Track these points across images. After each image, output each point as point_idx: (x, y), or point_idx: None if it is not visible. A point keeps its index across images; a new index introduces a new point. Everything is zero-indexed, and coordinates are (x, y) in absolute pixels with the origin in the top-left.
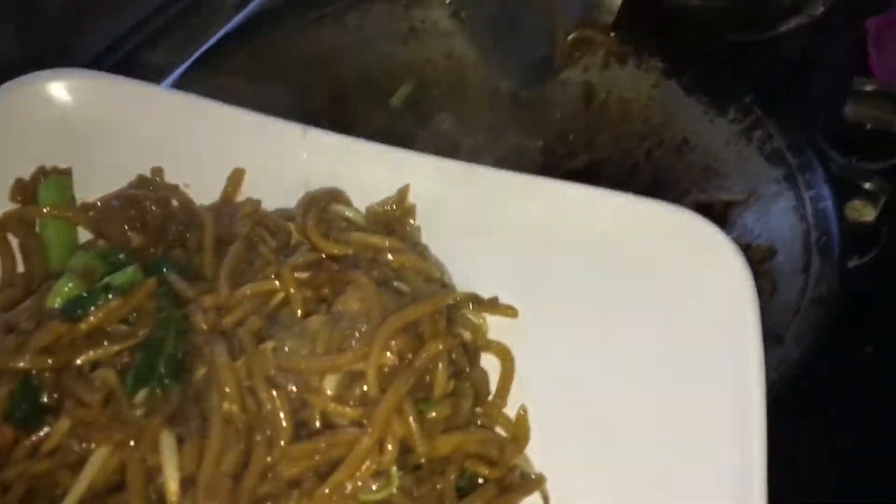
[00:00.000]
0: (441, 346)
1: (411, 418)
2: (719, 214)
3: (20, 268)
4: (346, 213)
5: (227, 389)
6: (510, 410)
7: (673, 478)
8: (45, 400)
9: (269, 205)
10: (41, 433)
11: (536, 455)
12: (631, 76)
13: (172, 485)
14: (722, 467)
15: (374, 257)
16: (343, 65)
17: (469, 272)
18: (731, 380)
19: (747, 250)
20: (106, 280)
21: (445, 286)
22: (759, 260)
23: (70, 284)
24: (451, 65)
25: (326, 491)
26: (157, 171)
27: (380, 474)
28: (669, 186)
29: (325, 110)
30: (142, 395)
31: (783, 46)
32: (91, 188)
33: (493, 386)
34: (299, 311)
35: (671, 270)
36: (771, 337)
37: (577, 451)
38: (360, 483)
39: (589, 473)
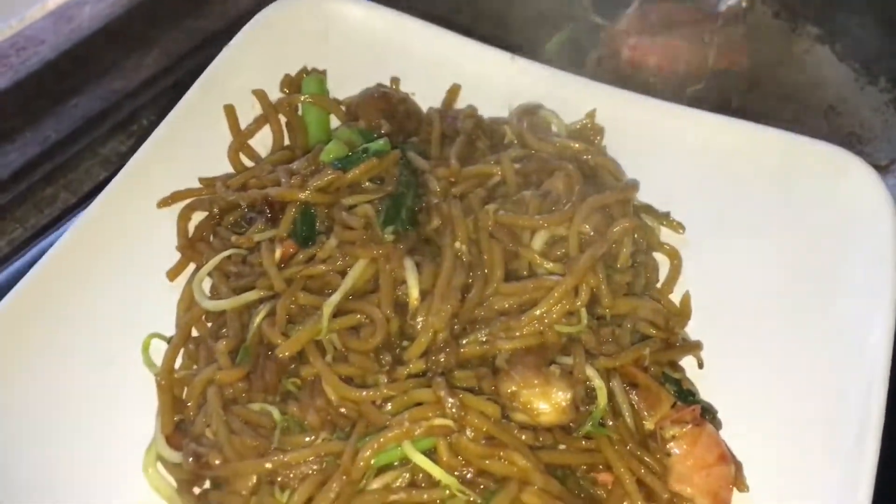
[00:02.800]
0: (627, 225)
1: (602, 275)
2: None
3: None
4: (552, 120)
5: (459, 233)
6: (675, 298)
7: (801, 372)
8: (318, 227)
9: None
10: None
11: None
12: (784, 39)
13: (414, 292)
14: (845, 374)
15: (574, 156)
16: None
17: (646, 187)
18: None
19: None
20: (365, 146)
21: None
22: None
23: (337, 147)
24: None
25: (526, 319)
26: (395, 80)
27: (572, 315)
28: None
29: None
30: (389, 230)
31: None
32: (341, 87)
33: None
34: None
35: (817, 195)
36: None
37: (724, 340)
38: (555, 316)
39: (733, 356)
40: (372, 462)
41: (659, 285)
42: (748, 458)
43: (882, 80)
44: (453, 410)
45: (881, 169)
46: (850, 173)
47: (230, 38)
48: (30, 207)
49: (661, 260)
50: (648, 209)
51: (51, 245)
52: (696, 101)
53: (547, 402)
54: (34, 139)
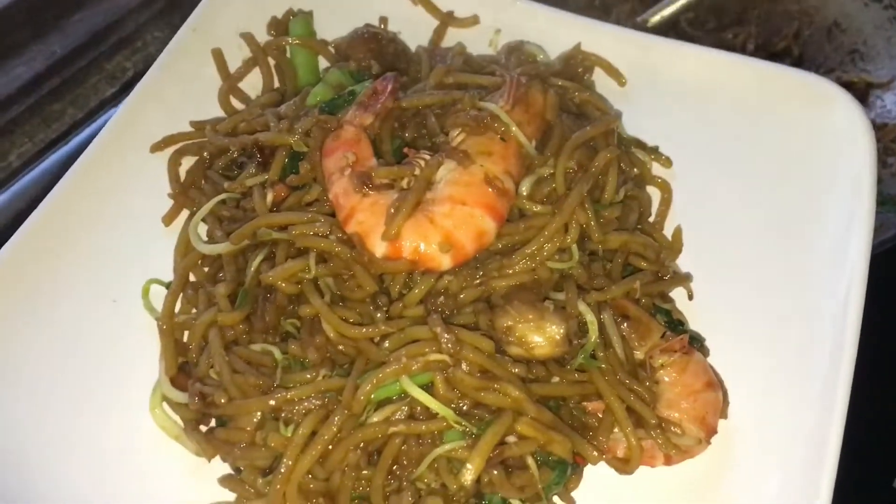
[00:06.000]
0: (610, 156)
1: (590, 212)
2: (860, 94)
3: (275, 83)
4: (539, 55)
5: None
6: (666, 233)
7: (783, 297)
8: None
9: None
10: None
11: (682, 266)
12: None
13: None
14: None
15: (561, 94)
16: None
17: (635, 123)
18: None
19: (883, 129)
20: (351, 88)
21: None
22: (893, 139)
23: (324, 90)
24: None
25: (517, 257)
26: (383, 20)
27: (563, 251)
28: (814, 66)
29: None
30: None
31: None
32: (329, 28)
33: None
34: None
35: (798, 124)
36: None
37: (712, 270)
38: (546, 254)
39: (721, 286)
40: (372, 396)
41: (651, 219)
42: (733, 383)
43: None
44: (449, 346)
45: (882, 86)
46: (831, 102)
47: None
48: (38, 122)
49: (655, 194)
50: (638, 143)
51: (60, 159)
52: (695, 23)
53: (541, 336)
54: (41, 53)
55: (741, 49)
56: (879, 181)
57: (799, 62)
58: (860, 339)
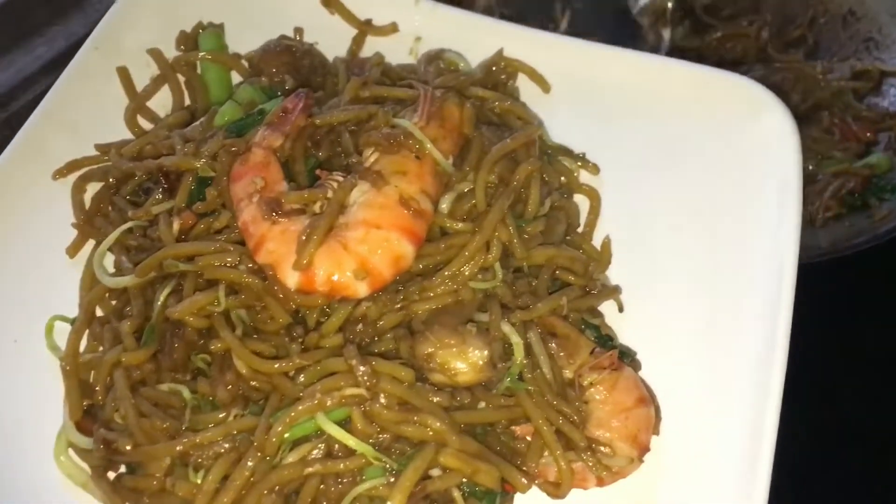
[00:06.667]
0: (531, 168)
1: (512, 228)
2: (874, 82)
3: (186, 101)
4: (460, 64)
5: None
6: (595, 242)
7: (714, 303)
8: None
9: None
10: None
11: (612, 276)
12: None
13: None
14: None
15: (480, 105)
16: None
17: (562, 130)
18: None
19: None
20: (261, 107)
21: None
22: None
23: (233, 109)
24: None
25: (438, 280)
26: (298, 31)
27: (486, 270)
28: (829, 54)
29: None
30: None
31: None
32: (241, 41)
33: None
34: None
35: (726, 130)
36: None
37: (643, 276)
38: (467, 274)
39: (650, 293)
40: (286, 435)
41: (580, 229)
42: (665, 395)
43: None
44: (365, 378)
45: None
46: (757, 104)
47: None
48: None
49: (583, 202)
50: (565, 151)
51: None
52: (711, 10)
53: (464, 362)
54: (62, 33)
55: (756, 37)
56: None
57: (814, 50)
58: (792, 344)
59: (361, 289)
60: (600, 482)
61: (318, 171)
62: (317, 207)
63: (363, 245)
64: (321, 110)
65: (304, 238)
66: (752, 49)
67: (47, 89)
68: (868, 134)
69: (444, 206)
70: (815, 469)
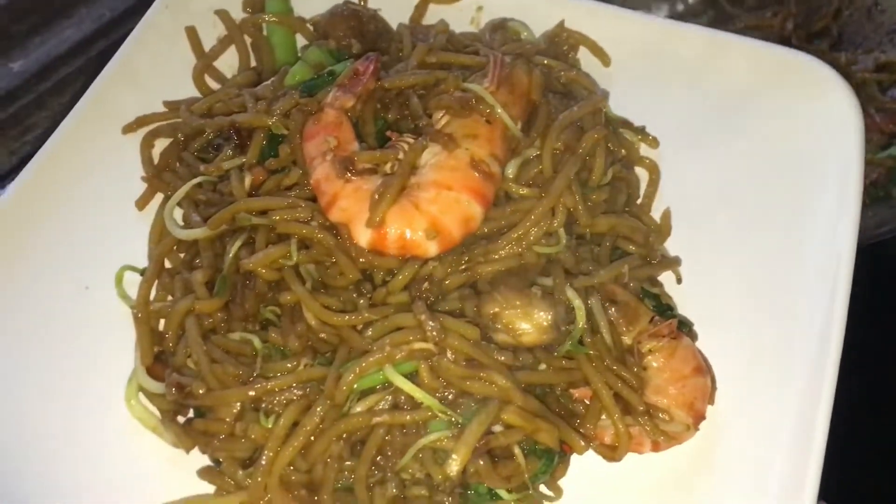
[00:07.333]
0: (598, 136)
1: (577, 195)
2: None
3: (252, 62)
4: (522, 33)
5: None
6: (655, 214)
7: (771, 283)
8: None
9: None
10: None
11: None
12: None
13: None
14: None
15: (547, 73)
16: None
17: (620, 103)
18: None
19: None
20: (331, 68)
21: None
22: None
23: (303, 70)
24: None
25: (503, 241)
26: None
27: (550, 235)
28: (853, 46)
29: None
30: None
31: None
32: (306, 5)
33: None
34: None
35: (787, 107)
36: None
37: (700, 250)
38: (532, 238)
39: (707, 267)
40: (354, 386)
41: (639, 201)
42: (720, 368)
43: None
44: (433, 334)
45: None
46: (823, 85)
47: None
48: (87, 83)
49: (642, 175)
50: (626, 123)
51: None
52: (735, 1)
53: (529, 323)
54: (89, 16)
55: (780, 28)
56: None
57: (838, 42)
58: (850, 326)
59: (432, 248)
60: (656, 447)
61: (388, 133)
62: (388, 168)
63: (434, 205)
64: (388, 74)
65: (377, 196)
66: (777, 40)
67: (75, 71)
68: (891, 125)
69: (510, 171)
70: (862, 438)
